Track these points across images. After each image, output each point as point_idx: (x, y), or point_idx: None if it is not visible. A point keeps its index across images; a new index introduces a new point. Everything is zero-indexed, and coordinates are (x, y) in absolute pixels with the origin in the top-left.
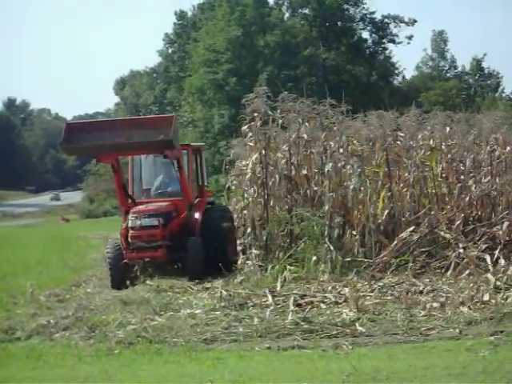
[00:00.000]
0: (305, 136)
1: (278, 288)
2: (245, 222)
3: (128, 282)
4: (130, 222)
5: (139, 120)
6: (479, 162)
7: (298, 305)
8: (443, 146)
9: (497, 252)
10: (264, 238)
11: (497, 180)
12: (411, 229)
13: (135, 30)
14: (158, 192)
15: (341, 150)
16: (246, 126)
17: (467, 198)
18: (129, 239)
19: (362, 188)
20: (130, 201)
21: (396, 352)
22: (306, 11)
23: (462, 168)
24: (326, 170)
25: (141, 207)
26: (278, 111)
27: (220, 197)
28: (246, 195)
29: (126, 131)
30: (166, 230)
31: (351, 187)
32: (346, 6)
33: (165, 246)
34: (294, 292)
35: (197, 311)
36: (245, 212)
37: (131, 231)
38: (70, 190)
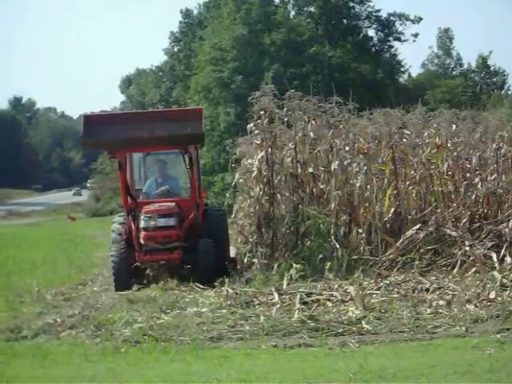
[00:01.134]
0: (311, 134)
1: (285, 286)
2: (251, 221)
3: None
4: (142, 222)
5: (163, 112)
6: (485, 160)
7: (305, 303)
8: (449, 144)
9: (503, 250)
10: (270, 236)
11: (503, 178)
12: (417, 227)
13: (141, 28)
14: (156, 192)
15: (347, 148)
16: (252, 124)
17: (473, 196)
18: (141, 241)
19: (368, 186)
20: (130, 200)
21: (402, 350)
22: (312, 9)
23: (468, 166)
24: (332, 168)
25: (152, 207)
26: (285, 109)
27: (226, 195)
28: (251, 193)
29: (148, 124)
30: (182, 230)
31: (357, 185)
32: (351, 4)
33: (181, 247)
34: (301, 290)
35: (203, 309)
36: (251, 210)
37: (144, 232)
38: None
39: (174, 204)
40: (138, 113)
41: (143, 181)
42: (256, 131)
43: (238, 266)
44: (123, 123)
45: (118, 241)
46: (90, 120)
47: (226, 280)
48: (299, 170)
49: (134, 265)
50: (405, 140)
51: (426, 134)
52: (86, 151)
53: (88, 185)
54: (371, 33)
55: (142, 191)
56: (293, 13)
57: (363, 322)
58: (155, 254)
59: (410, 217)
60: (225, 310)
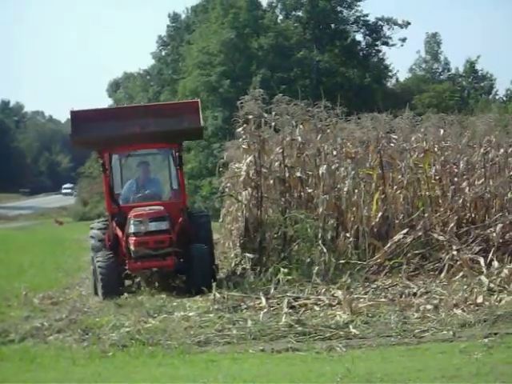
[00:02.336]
0: (299, 138)
1: (272, 290)
2: (238, 225)
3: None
4: (132, 227)
5: (156, 107)
6: (473, 165)
7: (292, 307)
8: (436, 149)
9: (490, 254)
10: (258, 240)
11: (490, 182)
12: (405, 231)
13: (129, 32)
14: (137, 196)
15: (334, 153)
16: (240, 129)
17: (461, 201)
18: (131, 247)
19: (356, 190)
20: (114, 205)
21: (390, 354)
22: (300, 13)
23: (456, 170)
24: (320, 172)
25: (141, 210)
26: (273, 114)
27: (213, 199)
28: (239, 197)
29: (140, 120)
30: (174, 235)
31: (345, 189)
32: (339, 9)
33: (174, 253)
34: (288, 294)
35: (190, 314)
36: (238, 214)
37: (134, 237)
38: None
39: (163, 207)
40: (130, 107)
41: (121, 184)
42: (244, 135)
43: (225, 270)
44: (114, 119)
45: (100, 248)
46: (78, 116)
47: (214, 284)
48: (287, 175)
49: (124, 273)
50: (392, 144)
51: (413, 139)
52: (75, 152)
53: (63, 190)
54: (359, 37)
55: (120, 195)
56: (280, 17)
57: (350, 327)
58: (147, 261)
59: (397, 221)
60: (212, 315)
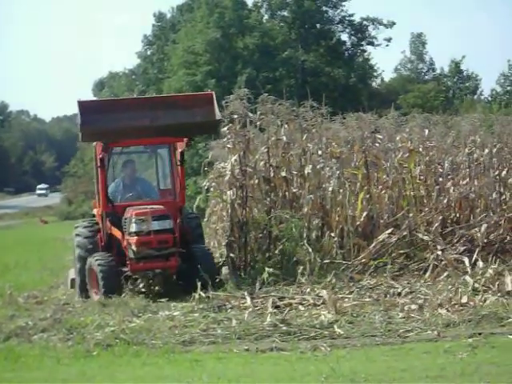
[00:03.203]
0: (284, 138)
1: (257, 290)
2: (223, 224)
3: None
4: (134, 226)
5: (167, 99)
6: (457, 165)
7: (277, 307)
8: (421, 149)
9: (475, 254)
10: (243, 240)
11: (475, 182)
12: (389, 231)
13: (114, 31)
14: (128, 196)
15: (320, 152)
16: (225, 128)
17: (445, 201)
18: (132, 247)
19: (341, 190)
20: (109, 203)
21: (374, 354)
22: (285, 13)
23: (441, 170)
24: (306, 172)
25: (143, 208)
26: (258, 113)
27: (198, 199)
28: (224, 197)
29: (150, 112)
30: (178, 234)
31: (330, 189)
32: (324, 9)
33: (177, 254)
34: (273, 294)
35: (175, 313)
36: (223, 214)
37: (136, 237)
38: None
39: (162, 206)
40: (142, 98)
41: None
42: (229, 135)
43: None
44: (122, 111)
45: (86, 245)
46: (87, 107)
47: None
48: (272, 174)
49: (124, 274)
50: (377, 144)
51: (398, 139)
52: (59, 152)
53: (37, 191)
54: (344, 37)
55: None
56: (266, 17)
57: (335, 326)
58: (149, 262)
59: (382, 221)
60: (197, 314)
